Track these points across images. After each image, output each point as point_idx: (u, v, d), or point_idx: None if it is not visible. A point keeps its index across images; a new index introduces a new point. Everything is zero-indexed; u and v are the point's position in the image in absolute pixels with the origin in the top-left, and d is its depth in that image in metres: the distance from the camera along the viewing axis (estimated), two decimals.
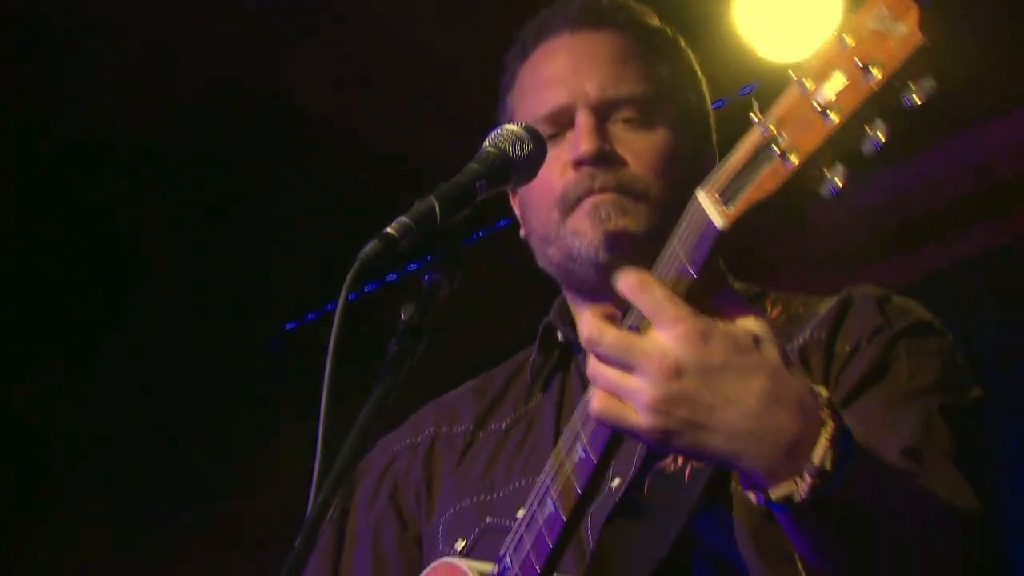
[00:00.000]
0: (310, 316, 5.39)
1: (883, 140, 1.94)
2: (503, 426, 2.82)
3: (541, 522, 2.32)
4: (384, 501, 2.88)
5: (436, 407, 2.97)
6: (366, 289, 4.90)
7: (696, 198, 2.07)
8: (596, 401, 2.06)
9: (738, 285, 2.74)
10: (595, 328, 2.05)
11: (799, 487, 2.01)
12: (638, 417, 2.02)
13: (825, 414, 2.03)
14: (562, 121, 2.70)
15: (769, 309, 2.67)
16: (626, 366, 2.02)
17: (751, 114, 2.04)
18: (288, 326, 5.44)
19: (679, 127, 2.74)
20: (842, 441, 2.03)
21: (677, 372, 1.99)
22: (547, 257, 2.75)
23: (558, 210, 2.68)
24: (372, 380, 2.22)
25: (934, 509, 2.25)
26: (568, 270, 2.73)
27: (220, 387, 5.38)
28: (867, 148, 1.95)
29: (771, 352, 2.03)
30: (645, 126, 2.70)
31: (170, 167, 4.97)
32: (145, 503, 5.31)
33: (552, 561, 2.33)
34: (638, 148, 2.68)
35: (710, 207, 2.04)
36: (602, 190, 2.65)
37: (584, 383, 2.69)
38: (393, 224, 2.25)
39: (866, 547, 2.12)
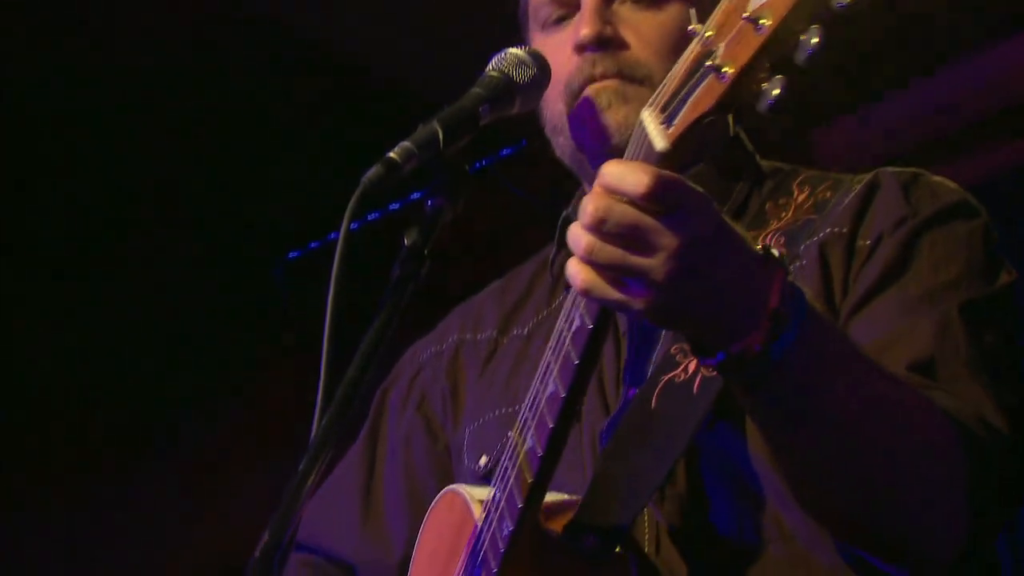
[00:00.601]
0: (313, 244, 5.38)
1: (818, 47, 1.86)
2: (525, 332, 2.76)
3: (521, 454, 2.29)
4: (412, 412, 2.85)
5: (462, 312, 2.92)
6: (369, 217, 4.91)
7: (641, 118, 2.03)
8: (583, 275, 1.98)
9: (765, 164, 2.67)
10: (602, 204, 1.95)
11: (757, 336, 1.99)
12: (641, 293, 1.96)
13: (774, 262, 2.02)
14: (569, 2, 2.62)
15: (796, 193, 2.58)
16: (639, 243, 1.95)
17: (691, 26, 1.99)
18: (291, 254, 5.43)
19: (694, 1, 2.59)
20: (792, 287, 2.02)
21: (690, 248, 1.94)
22: (559, 147, 2.68)
23: (563, 100, 2.61)
24: (375, 307, 2.22)
25: (920, 411, 2.17)
26: (578, 160, 2.67)
27: (223, 317, 5.37)
28: (801, 56, 1.88)
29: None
30: (654, 4, 2.59)
31: (172, 95, 4.94)
32: (146, 429, 5.32)
33: (535, 494, 2.28)
34: (643, 29, 2.58)
35: (652, 128, 2.00)
36: (603, 76, 2.56)
37: None
38: (396, 149, 2.23)
39: (824, 432, 2.08)
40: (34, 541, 5.29)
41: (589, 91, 2.57)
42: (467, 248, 4.56)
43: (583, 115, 2.58)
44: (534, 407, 2.26)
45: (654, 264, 1.94)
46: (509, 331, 2.79)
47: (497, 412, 2.68)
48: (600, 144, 2.57)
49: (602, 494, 2.32)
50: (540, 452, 2.23)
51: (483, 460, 2.65)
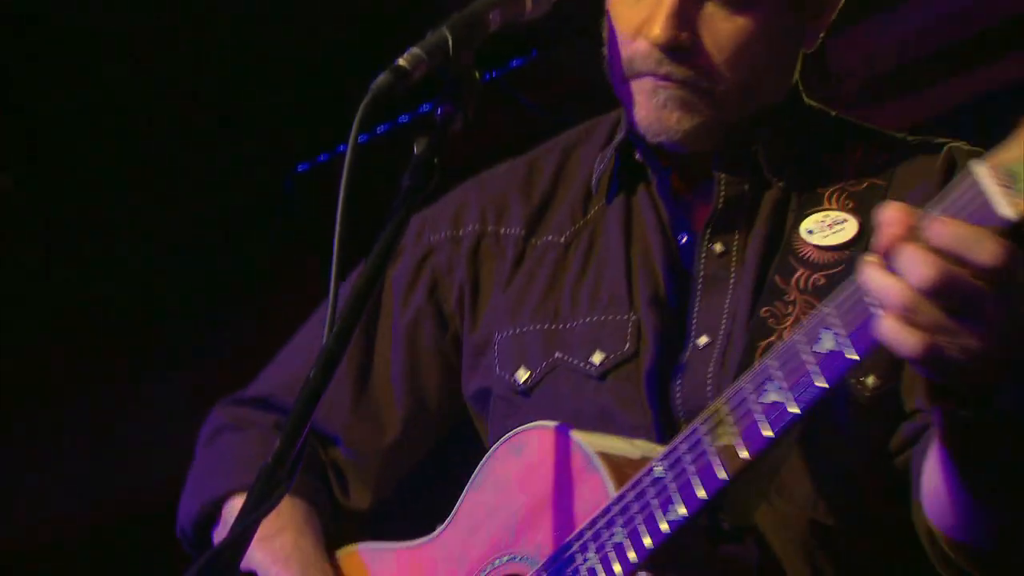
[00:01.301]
0: (322, 157, 5.35)
1: None
2: (561, 240, 2.68)
3: (714, 448, 2.20)
4: (423, 296, 2.77)
5: (479, 194, 2.79)
6: (378, 130, 4.88)
7: (976, 171, 1.88)
8: (912, 339, 1.88)
9: (812, 103, 2.63)
10: (945, 272, 1.84)
11: (1012, 397, 1.96)
12: (948, 356, 1.89)
13: None
14: None
15: (847, 149, 2.55)
16: (967, 312, 1.87)
17: None
18: (300, 167, 5.41)
19: (786, 5, 2.50)
20: None
21: (1011, 322, 1.89)
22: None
23: (623, 68, 2.52)
24: (385, 218, 2.20)
25: None
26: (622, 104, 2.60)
27: (232, 229, 5.37)
28: None
29: None
30: (740, 7, 2.46)
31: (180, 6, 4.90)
32: (154, 340, 5.33)
33: (723, 490, 2.22)
34: (722, 36, 2.45)
35: (994, 189, 1.86)
36: (666, 78, 2.46)
37: (656, 205, 2.60)
38: (405, 56, 2.20)
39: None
40: (40, 452, 5.32)
41: (647, 82, 2.49)
42: (476, 160, 4.54)
43: (634, 95, 2.51)
44: (738, 404, 2.17)
45: (976, 333, 1.87)
46: (540, 234, 2.70)
47: (538, 327, 2.62)
48: (644, 131, 2.52)
49: (738, 487, 2.26)
50: (747, 456, 2.17)
51: (522, 375, 2.60)
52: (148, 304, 5.30)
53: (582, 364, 2.54)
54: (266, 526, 2.64)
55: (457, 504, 2.57)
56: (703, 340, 2.48)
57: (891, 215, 1.89)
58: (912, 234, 1.88)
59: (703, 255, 2.53)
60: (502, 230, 2.74)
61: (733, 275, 2.51)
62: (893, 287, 1.89)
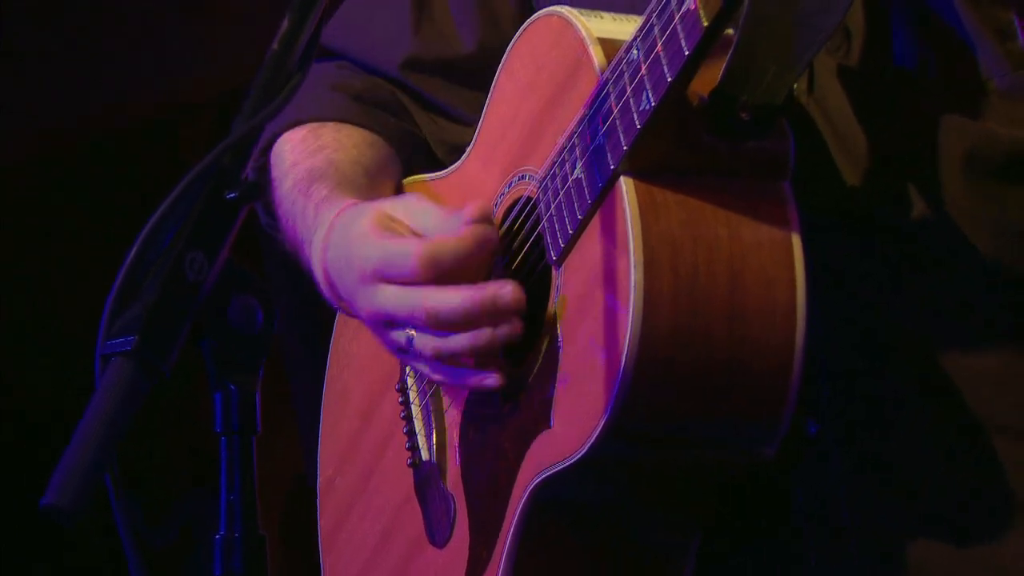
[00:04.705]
0: None
1: None
2: None
3: (677, 19, 1.81)
4: None
5: None
6: None
7: None
8: None
9: None
10: None
11: None
12: None
13: None
14: None
15: None
16: None
17: None
18: None
19: None
20: None
21: None
22: None
23: None
24: None
25: None
26: None
27: None
28: None
29: None
30: None
31: None
32: None
33: (689, 68, 1.83)
34: None
35: None
36: None
37: None
38: None
39: None
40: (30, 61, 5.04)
41: None
42: None
43: None
44: None
45: None
46: None
47: None
48: None
49: (755, 49, 1.83)
50: (705, 23, 1.78)
51: None
52: None
53: None
54: (298, 150, 2.37)
55: (479, 122, 2.25)
56: None
57: None
58: None
59: None
60: None
61: None
62: None
